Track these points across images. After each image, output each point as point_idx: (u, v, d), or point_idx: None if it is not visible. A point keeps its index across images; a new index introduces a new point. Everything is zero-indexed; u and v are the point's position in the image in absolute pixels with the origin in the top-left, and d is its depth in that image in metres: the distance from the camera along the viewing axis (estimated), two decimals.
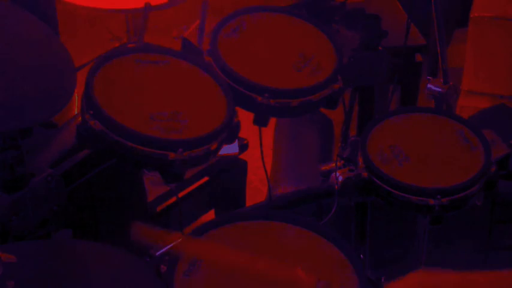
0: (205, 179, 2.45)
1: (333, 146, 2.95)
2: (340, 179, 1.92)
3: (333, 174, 1.95)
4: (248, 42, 1.97)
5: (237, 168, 2.51)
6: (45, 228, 1.78)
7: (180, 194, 2.32)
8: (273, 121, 2.55)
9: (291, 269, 1.60)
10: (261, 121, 1.90)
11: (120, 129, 1.67)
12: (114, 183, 2.09)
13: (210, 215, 2.51)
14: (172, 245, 1.76)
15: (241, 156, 2.46)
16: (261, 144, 2.02)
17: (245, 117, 1.85)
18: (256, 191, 2.97)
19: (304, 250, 1.71)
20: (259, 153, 2.05)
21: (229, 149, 2.00)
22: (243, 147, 2.39)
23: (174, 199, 2.33)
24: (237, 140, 1.85)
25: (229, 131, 1.78)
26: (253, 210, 2.27)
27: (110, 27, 2.97)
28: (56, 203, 1.79)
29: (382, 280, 1.69)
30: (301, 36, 2.03)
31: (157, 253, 1.81)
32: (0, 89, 1.60)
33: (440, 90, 2.20)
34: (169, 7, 2.69)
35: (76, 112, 1.97)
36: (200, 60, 1.90)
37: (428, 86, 2.22)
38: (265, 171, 2.11)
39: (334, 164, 1.97)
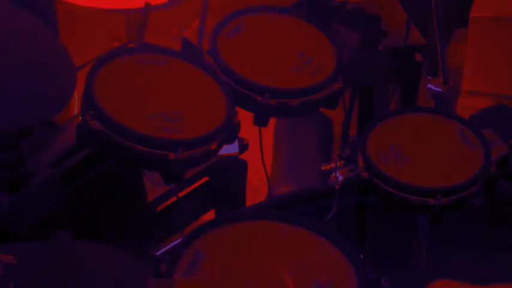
0: (205, 179, 2.44)
1: (333, 146, 2.94)
2: (340, 179, 1.92)
3: (333, 174, 1.95)
4: (248, 42, 1.97)
5: (237, 168, 2.50)
6: (45, 228, 1.78)
7: (180, 194, 2.32)
8: (273, 121, 2.55)
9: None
10: (261, 121, 1.90)
11: (120, 129, 1.67)
12: (114, 183, 2.09)
13: (210, 215, 2.50)
14: (172, 245, 1.76)
15: (241, 156, 2.46)
16: (261, 144, 2.02)
17: (245, 117, 1.85)
18: (256, 191, 2.97)
19: (304, 250, 1.71)
20: (259, 153, 2.05)
21: (229, 149, 1.99)
22: (243, 147, 2.39)
23: (174, 199, 2.33)
24: (237, 140, 1.85)
25: (229, 131, 1.78)
26: (253, 210, 2.27)
27: (110, 27, 2.96)
28: (56, 203, 1.79)
29: (382, 280, 1.69)
30: (301, 36, 2.03)
31: (157, 253, 1.82)
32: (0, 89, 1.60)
33: (440, 90, 2.20)
34: (169, 7, 2.69)
35: (76, 112, 1.97)
36: (200, 60, 1.90)
37: (428, 86, 2.22)
38: (265, 171, 2.11)
39: (334, 164, 1.97)
